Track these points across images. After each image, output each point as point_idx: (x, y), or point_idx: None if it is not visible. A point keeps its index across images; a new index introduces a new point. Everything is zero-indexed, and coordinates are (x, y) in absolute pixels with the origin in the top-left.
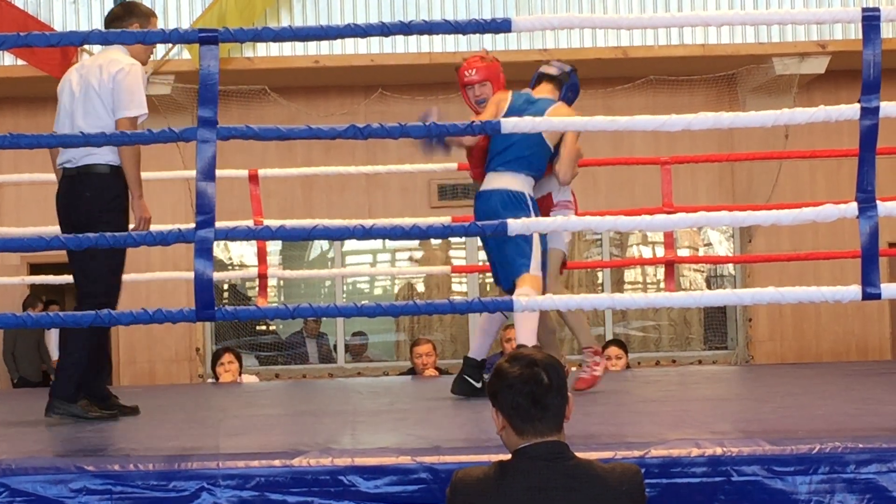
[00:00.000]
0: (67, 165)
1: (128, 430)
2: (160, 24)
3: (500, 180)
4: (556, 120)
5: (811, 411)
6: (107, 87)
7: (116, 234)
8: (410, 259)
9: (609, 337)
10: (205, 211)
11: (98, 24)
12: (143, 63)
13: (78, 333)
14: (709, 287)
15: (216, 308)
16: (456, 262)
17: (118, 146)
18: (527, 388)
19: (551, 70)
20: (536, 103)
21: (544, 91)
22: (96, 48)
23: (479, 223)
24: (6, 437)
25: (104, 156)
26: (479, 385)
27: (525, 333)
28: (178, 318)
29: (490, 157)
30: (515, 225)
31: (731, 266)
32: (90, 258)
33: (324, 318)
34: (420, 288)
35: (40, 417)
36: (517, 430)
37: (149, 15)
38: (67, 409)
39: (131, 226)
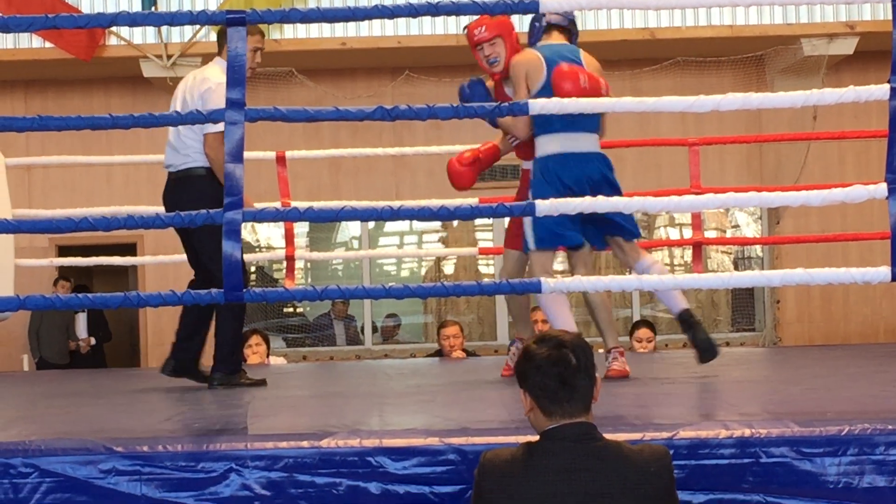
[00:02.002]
0: (171, 169)
1: (157, 411)
2: (186, 6)
3: (585, 142)
4: (584, 102)
5: (840, 393)
6: (196, 105)
7: (147, 216)
8: (441, 241)
9: (637, 318)
10: (233, 193)
11: (124, 5)
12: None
13: (227, 313)
14: (736, 269)
15: (244, 290)
16: (482, 245)
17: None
18: (555, 369)
19: (559, 19)
20: (575, 52)
21: (560, 40)
22: (124, 31)
23: (508, 204)
24: (35, 419)
25: (200, 160)
26: None
27: (560, 319)
28: (207, 300)
29: (552, 119)
30: (543, 206)
31: (758, 248)
32: (208, 242)
33: (352, 301)
34: (447, 270)
35: (68, 399)
36: (545, 412)
37: (252, 32)
38: (229, 380)
39: None
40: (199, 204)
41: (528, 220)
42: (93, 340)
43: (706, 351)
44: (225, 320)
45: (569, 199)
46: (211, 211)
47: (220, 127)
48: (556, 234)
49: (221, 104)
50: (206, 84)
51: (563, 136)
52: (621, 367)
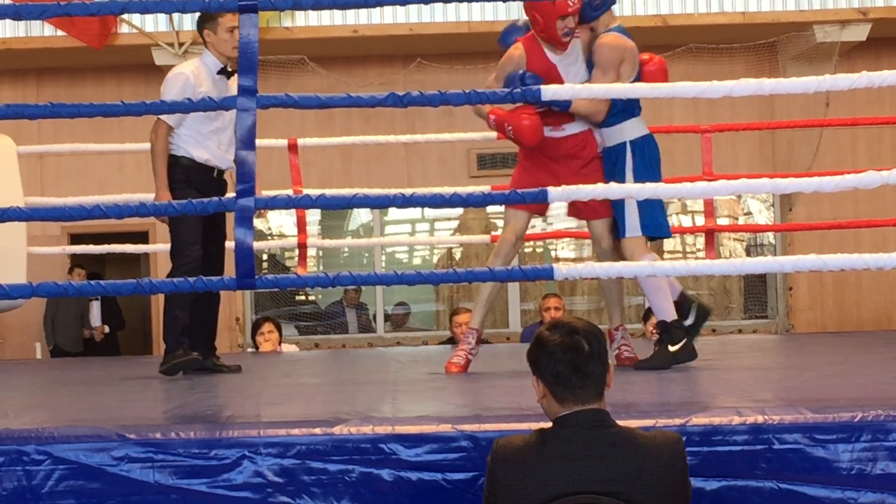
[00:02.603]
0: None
1: (169, 398)
2: None
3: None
4: (596, 87)
5: (853, 380)
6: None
7: (159, 204)
8: (454, 230)
9: (648, 306)
10: (245, 180)
11: None
12: (230, 54)
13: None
14: (748, 256)
15: (256, 277)
16: (495, 233)
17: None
18: (567, 356)
19: None
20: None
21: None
22: (136, 18)
23: (520, 191)
24: (49, 406)
25: (177, 148)
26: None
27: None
28: (219, 287)
29: (634, 103)
30: (555, 193)
31: (770, 235)
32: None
33: (364, 288)
34: (458, 257)
35: (81, 386)
36: (558, 399)
37: (215, 17)
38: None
39: None
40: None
41: (633, 207)
42: (106, 329)
43: (654, 365)
44: (167, 309)
45: (581, 186)
46: (223, 198)
47: (170, 118)
48: (660, 223)
49: (171, 92)
50: (169, 74)
51: (636, 121)
52: (632, 354)
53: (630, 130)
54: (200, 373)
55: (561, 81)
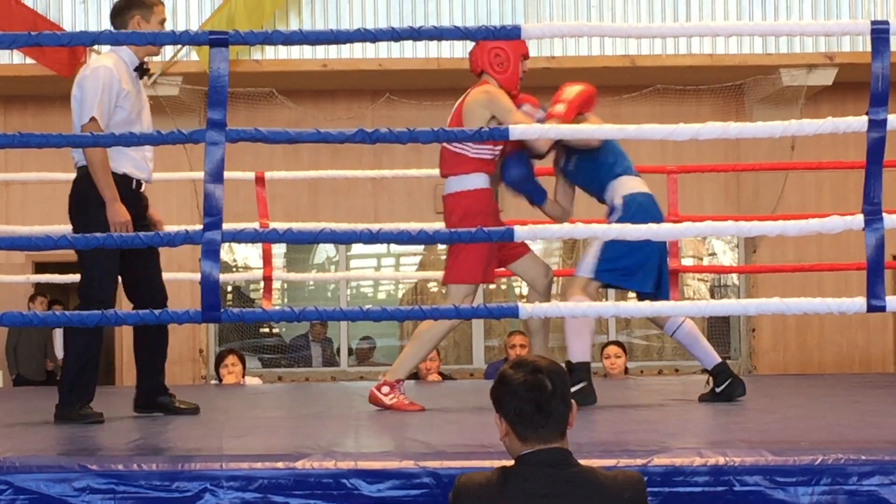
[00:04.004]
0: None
1: (131, 429)
2: (169, 26)
3: (642, 183)
4: (565, 128)
5: (814, 422)
6: (75, 94)
7: (125, 234)
8: (419, 257)
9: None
10: (212, 213)
11: (106, 23)
12: (154, 54)
13: (72, 338)
14: (712, 297)
15: (222, 310)
16: None
17: (84, 147)
18: (531, 394)
19: None
20: None
21: None
22: (104, 48)
23: (499, 228)
24: (10, 436)
25: (80, 157)
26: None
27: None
28: (184, 320)
29: (619, 160)
30: (521, 232)
31: (734, 276)
32: (83, 259)
33: (330, 323)
34: (423, 292)
35: (43, 416)
36: (520, 437)
37: (151, 4)
38: (71, 412)
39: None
40: (74, 207)
41: (593, 249)
42: None
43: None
44: (70, 346)
45: (547, 226)
46: (189, 230)
47: (87, 116)
48: (631, 273)
49: (96, 88)
50: (85, 70)
51: (630, 179)
52: None
53: (622, 187)
54: (157, 410)
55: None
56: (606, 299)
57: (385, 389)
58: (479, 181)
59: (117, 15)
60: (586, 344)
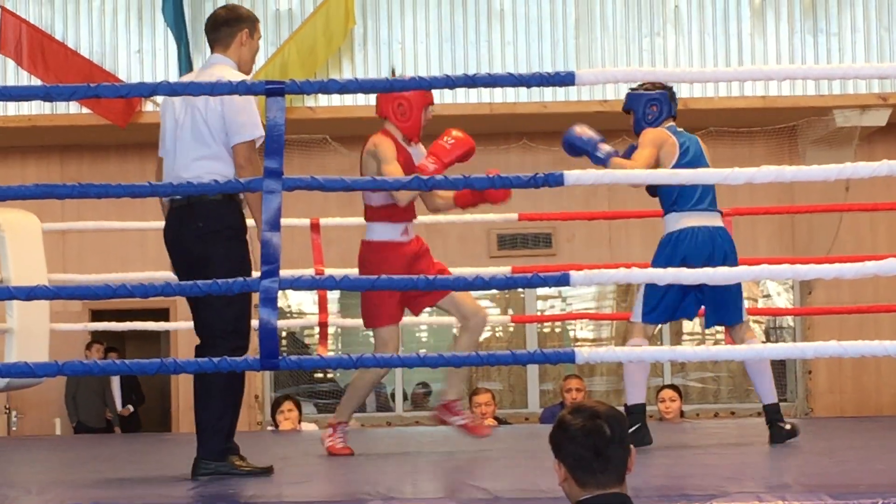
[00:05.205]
0: (176, 196)
1: (189, 477)
2: None
3: (710, 219)
4: (620, 173)
5: (872, 465)
6: (215, 111)
7: (185, 283)
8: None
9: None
10: (270, 261)
11: (161, 73)
12: (248, 73)
13: (212, 385)
14: (768, 338)
15: (280, 357)
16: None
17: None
18: (589, 440)
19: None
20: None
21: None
22: (160, 99)
23: (542, 274)
24: (70, 483)
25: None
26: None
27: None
28: (243, 367)
29: (683, 195)
30: (577, 276)
31: (790, 318)
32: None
33: None
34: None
35: (104, 464)
36: (579, 482)
37: (255, 20)
38: (216, 467)
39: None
40: (213, 236)
41: (639, 294)
42: (130, 408)
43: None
44: (209, 394)
45: (602, 270)
46: (247, 279)
47: (255, 132)
48: (665, 307)
49: (251, 105)
50: (232, 79)
51: (689, 214)
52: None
53: (670, 224)
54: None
55: (415, 171)
56: (661, 342)
57: (328, 431)
58: (377, 232)
59: (223, 25)
60: (642, 386)
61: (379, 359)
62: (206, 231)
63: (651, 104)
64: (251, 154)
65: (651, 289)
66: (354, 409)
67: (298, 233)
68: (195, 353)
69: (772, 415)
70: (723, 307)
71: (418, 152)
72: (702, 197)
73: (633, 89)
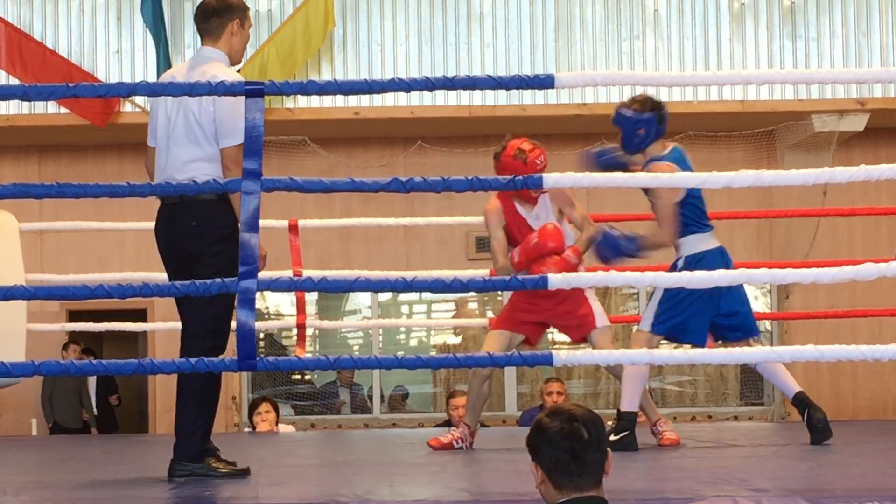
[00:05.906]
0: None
1: (165, 479)
2: None
3: (710, 238)
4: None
5: (848, 469)
6: (208, 112)
7: (162, 284)
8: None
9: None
10: (248, 262)
11: (140, 73)
12: (239, 62)
13: (188, 386)
14: None
15: (258, 358)
16: (491, 316)
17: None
18: (567, 443)
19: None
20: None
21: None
22: (139, 97)
23: (520, 277)
24: (47, 485)
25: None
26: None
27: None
28: (220, 368)
29: (700, 214)
30: (556, 280)
31: (767, 322)
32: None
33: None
34: (451, 340)
35: (80, 465)
36: (556, 485)
37: (246, 9)
38: (193, 469)
39: None
40: (208, 237)
41: (653, 303)
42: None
43: (821, 432)
44: (188, 396)
45: (581, 274)
46: (226, 280)
47: (242, 138)
48: (687, 328)
49: (239, 114)
50: (226, 78)
51: (703, 236)
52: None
53: (686, 247)
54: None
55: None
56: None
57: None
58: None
59: (213, 15)
60: (637, 394)
61: (356, 360)
62: (200, 230)
63: (639, 127)
64: (239, 157)
65: (669, 303)
66: (478, 413)
67: (276, 234)
68: (180, 354)
69: (801, 406)
70: (748, 318)
71: (534, 215)
72: (706, 214)
73: (624, 104)
